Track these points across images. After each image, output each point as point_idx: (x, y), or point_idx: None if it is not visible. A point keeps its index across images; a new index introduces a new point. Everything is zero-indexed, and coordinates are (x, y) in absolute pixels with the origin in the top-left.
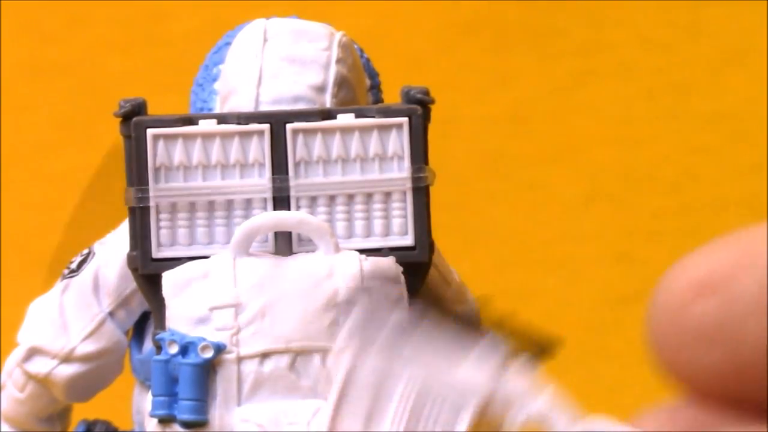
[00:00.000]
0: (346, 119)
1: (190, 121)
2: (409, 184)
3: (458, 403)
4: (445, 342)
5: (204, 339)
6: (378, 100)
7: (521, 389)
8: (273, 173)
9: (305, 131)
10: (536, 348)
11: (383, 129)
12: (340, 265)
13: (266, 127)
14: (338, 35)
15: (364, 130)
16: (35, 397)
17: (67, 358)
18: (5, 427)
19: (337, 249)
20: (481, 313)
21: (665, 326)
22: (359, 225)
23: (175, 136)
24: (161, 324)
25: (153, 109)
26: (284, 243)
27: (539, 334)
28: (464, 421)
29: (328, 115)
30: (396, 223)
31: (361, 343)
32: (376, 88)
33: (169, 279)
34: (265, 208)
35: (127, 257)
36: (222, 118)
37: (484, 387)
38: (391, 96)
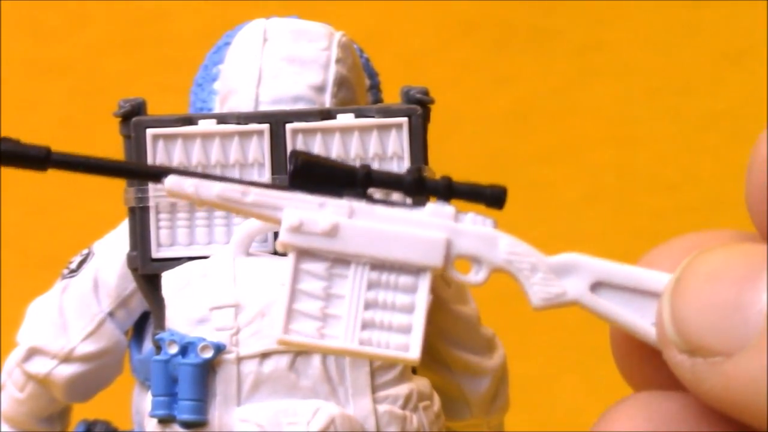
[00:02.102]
0: (345, 119)
1: (190, 121)
2: None
3: (416, 267)
4: (393, 211)
5: (204, 339)
6: (377, 99)
7: (478, 242)
8: (272, 173)
9: (305, 131)
10: (484, 199)
11: (383, 129)
12: None
13: (266, 127)
14: (338, 35)
15: (364, 130)
16: (35, 397)
17: (66, 358)
18: (5, 427)
19: None
20: (425, 177)
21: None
22: None
23: (174, 136)
24: (161, 324)
25: (153, 109)
26: None
27: (485, 188)
28: (424, 284)
29: (327, 115)
30: None
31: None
32: (375, 87)
33: (168, 279)
34: None
35: (126, 257)
36: (221, 118)
37: (440, 245)
38: (391, 96)
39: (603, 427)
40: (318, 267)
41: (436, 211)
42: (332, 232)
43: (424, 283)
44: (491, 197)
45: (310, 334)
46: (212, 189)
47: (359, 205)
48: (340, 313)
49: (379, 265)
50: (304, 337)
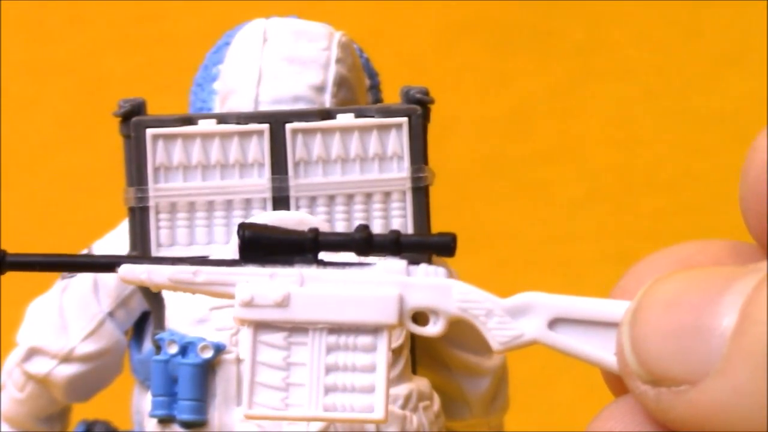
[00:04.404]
0: (345, 119)
1: (190, 120)
2: (408, 184)
3: (372, 326)
4: (345, 273)
5: (203, 339)
6: (377, 99)
7: (431, 294)
8: (272, 173)
9: (304, 131)
10: (433, 249)
11: (383, 129)
12: None
13: (266, 127)
14: (338, 35)
15: (364, 129)
16: (35, 397)
17: (66, 358)
18: (5, 427)
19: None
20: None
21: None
22: None
23: (174, 136)
24: (161, 324)
25: (153, 109)
26: None
27: (432, 237)
28: (383, 343)
29: (327, 115)
30: (395, 223)
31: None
32: (375, 87)
33: None
34: (264, 208)
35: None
36: (221, 118)
37: (393, 302)
38: (391, 96)
39: (594, 428)
40: (276, 338)
41: (388, 266)
42: (284, 303)
43: (383, 342)
44: (438, 246)
45: (275, 405)
46: (164, 273)
47: (309, 272)
48: (302, 381)
49: (336, 329)
50: (269, 409)
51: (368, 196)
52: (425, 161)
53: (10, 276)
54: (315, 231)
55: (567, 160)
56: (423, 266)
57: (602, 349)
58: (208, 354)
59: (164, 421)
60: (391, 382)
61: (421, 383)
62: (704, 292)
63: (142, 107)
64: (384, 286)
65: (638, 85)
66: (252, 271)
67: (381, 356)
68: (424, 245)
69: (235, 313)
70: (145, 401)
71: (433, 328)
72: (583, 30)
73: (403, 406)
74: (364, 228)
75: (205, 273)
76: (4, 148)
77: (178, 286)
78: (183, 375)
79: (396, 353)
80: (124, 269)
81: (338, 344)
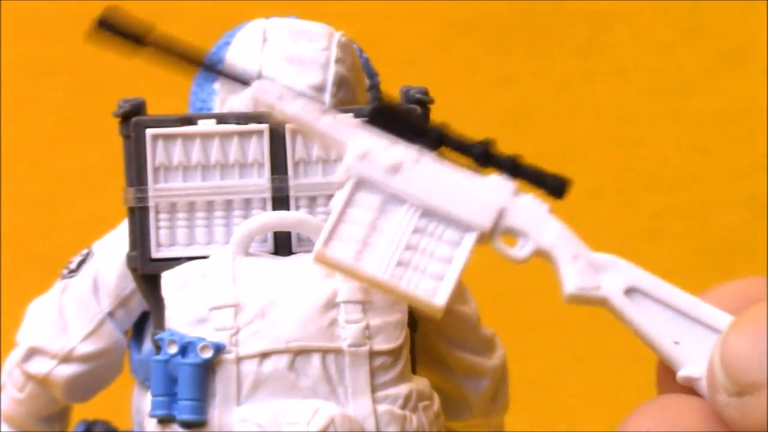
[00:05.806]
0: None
1: (189, 121)
2: None
3: (465, 224)
4: (456, 170)
5: (203, 339)
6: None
7: (530, 220)
8: (272, 173)
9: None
10: (546, 186)
11: None
12: None
13: (265, 127)
14: (337, 35)
15: None
16: (34, 397)
17: (66, 358)
18: (5, 427)
19: None
20: (493, 151)
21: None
22: None
23: (174, 136)
24: (160, 324)
25: (153, 109)
26: (283, 243)
27: (549, 175)
28: (469, 241)
29: None
30: None
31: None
32: (375, 87)
33: (168, 279)
34: (264, 208)
35: (126, 257)
36: (221, 118)
37: (493, 211)
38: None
39: (628, 428)
40: (372, 199)
41: (498, 183)
42: (396, 169)
43: (469, 241)
44: (552, 185)
45: (348, 255)
46: (295, 104)
47: (427, 155)
48: (380, 245)
49: (430, 214)
50: (341, 256)
51: None
52: None
53: (10, 276)
54: (442, 125)
55: (567, 160)
56: (530, 196)
57: (665, 334)
58: (208, 354)
59: (164, 421)
60: (390, 383)
61: (421, 383)
62: None
63: (142, 107)
64: (492, 192)
65: (638, 85)
66: (375, 132)
67: (462, 253)
68: (540, 179)
69: (345, 161)
70: (145, 401)
71: (519, 252)
72: (583, 30)
73: (403, 406)
74: (488, 141)
75: (331, 119)
76: (4, 148)
77: (299, 120)
78: (183, 375)
79: (396, 353)
80: (259, 85)
81: (426, 229)
